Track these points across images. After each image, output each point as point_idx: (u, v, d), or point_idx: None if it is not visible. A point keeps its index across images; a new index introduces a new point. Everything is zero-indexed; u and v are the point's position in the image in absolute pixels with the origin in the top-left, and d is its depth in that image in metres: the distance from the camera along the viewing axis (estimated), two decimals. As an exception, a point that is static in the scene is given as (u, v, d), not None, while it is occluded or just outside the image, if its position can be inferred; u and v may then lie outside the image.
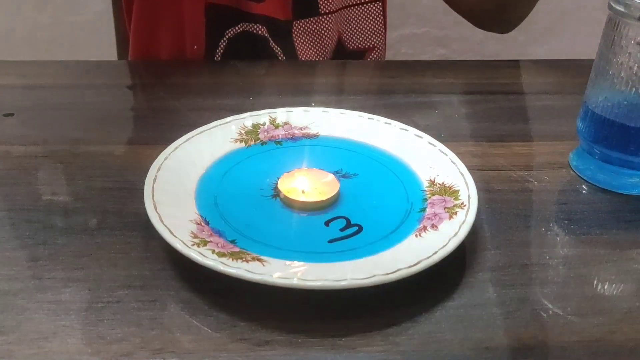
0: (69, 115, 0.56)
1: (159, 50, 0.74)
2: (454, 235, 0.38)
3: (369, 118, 0.51)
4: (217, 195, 0.43)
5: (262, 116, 0.51)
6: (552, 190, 0.48)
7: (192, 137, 0.47)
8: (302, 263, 0.37)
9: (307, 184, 0.44)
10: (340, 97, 0.60)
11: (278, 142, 0.49)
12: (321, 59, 0.75)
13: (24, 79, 0.62)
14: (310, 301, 0.36)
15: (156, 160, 0.44)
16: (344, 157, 0.48)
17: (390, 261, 0.37)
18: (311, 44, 0.75)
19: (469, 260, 0.40)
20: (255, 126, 0.50)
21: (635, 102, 0.45)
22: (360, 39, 0.78)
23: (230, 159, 0.47)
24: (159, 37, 0.75)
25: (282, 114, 0.51)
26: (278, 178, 0.44)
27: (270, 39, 0.73)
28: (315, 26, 0.74)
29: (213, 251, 0.37)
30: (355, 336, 0.35)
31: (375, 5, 0.77)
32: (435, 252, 0.37)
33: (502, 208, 0.45)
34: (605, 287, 0.39)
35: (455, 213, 0.41)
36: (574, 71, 0.67)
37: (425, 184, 0.45)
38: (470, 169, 0.45)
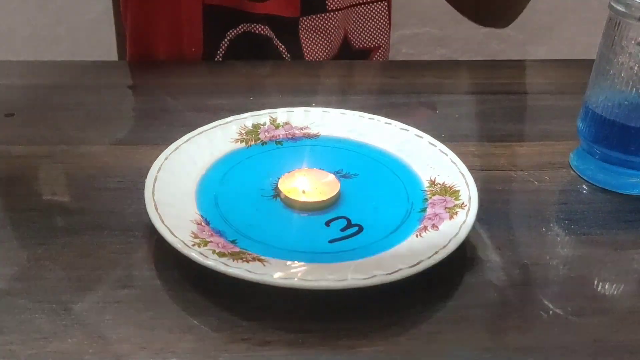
0: (70, 116, 0.56)
1: (156, 52, 0.74)
2: (455, 236, 0.38)
3: (369, 118, 0.51)
4: (217, 196, 0.43)
5: (262, 116, 0.51)
6: (552, 190, 0.48)
7: (193, 137, 0.47)
8: (302, 263, 0.37)
9: (307, 184, 0.44)
10: (340, 97, 0.60)
11: (278, 142, 0.49)
12: (327, 57, 0.75)
13: (24, 79, 0.62)
14: (311, 301, 0.36)
15: (157, 160, 0.44)
16: (345, 157, 0.48)
17: (391, 261, 0.37)
18: (318, 41, 0.75)
19: (470, 260, 0.40)
20: (256, 126, 0.50)
21: (636, 102, 0.45)
22: (366, 38, 0.78)
23: (230, 159, 0.47)
24: (156, 39, 0.75)
25: (282, 114, 0.51)
26: (278, 178, 0.44)
27: (274, 38, 0.73)
28: (322, 23, 0.74)
29: (214, 251, 0.37)
30: (356, 336, 0.35)
31: (381, 4, 0.77)
32: (436, 252, 0.37)
33: (503, 208, 0.45)
34: (606, 287, 0.39)
35: (456, 213, 0.41)
36: (574, 71, 0.67)
37: (426, 184, 0.45)
38: (471, 169, 0.45)
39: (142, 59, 0.75)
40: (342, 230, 0.41)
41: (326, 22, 0.74)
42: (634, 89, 0.45)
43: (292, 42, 0.74)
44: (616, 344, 0.35)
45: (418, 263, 0.36)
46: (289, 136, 0.50)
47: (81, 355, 0.33)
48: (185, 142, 0.47)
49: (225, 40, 0.73)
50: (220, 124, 0.49)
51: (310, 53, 0.74)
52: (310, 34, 0.74)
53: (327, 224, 0.41)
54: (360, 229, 0.41)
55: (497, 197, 0.46)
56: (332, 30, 0.75)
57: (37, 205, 0.44)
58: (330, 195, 0.43)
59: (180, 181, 0.43)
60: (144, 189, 0.41)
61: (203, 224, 0.40)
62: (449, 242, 0.38)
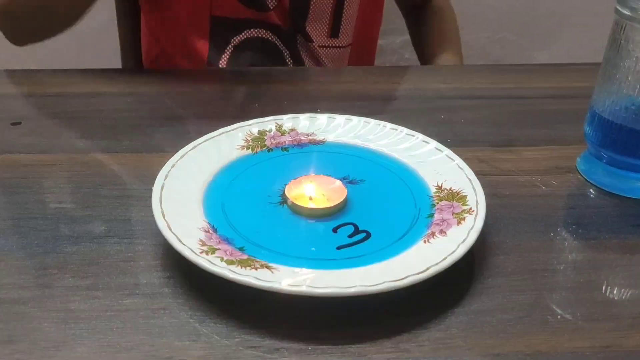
0: (76, 124, 0.56)
1: (166, 59, 0.75)
2: (463, 241, 0.38)
3: (375, 124, 0.51)
4: (224, 203, 0.43)
5: (268, 123, 0.51)
6: (560, 195, 0.48)
7: (199, 144, 0.47)
8: (310, 270, 0.37)
9: (314, 191, 0.44)
10: (345, 103, 0.60)
11: (285, 149, 0.49)
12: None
13: (30, 88, 0.62)
14: (320, 308, 0.36)
15: (163, 168, 0.44)
16: (351, 163, 0.48)
17: (399, 268, 0.36)
18: (312, 61, 0.77)
19: (478, 266, 0.40)
20: (262, 133, 0.50)
21: (643, 106, 0.45)
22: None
23: (237, 166, 0.47)
24: (165, 47, 0.76)
25: (288, 121, 0.51)
26: (285, 185, 0.44)
27: (277, 42, 0.74)
28: (312, 52, 0.76)
29: (222, 259, 0.37)
30: (365, 343, 0.35)
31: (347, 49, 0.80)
32: (444, 258, 0.37)
33: (510, 213, 0.45)
34: (615, 292, 0.39)
35: (464, 219, 0.41)
36: (580, 75, 0.67)
37: (433, 190, 0.45)
38: (478, 174, 0.45)
39: (152, 65, 0.76)
40: (350, 236, 0.40)
41: (316, 53, 0.76)
42: (641, 93, 0.45)
43: (293, 50, 0.75)
44: (627, 350, 0.35)
45: (427, 269, 0.36)
46: (295, 142, 0.50)
47: (90, 363, 0.33)
48: (191, 149, 0.47)
49: (230, 46, 0.74)
50: (226, 131, 0.49)
51: (308, 64, 0.76)
52: (305, 53, 0.75)
53: (335, 230, 0.41)
54: (368, 235, 0.41)
55: (505, 202, 0.46)
56: (322, 60, 0.77)
57: (44, 214, 0.44)
58: (338, 201, 0.43)
59: (187, 189, 0.43)
60: (151, 197, 0.41)
61: (211, 231, 0.40)
62: (457, 247, 0.38)
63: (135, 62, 0.88)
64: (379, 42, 0.87)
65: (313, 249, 0.39)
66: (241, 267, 0.36)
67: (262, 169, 0.47)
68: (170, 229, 0.38)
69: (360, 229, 0.41)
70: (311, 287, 0.35)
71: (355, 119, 0.52)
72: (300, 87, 0.64)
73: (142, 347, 0.34)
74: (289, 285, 0.35)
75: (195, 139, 0.48)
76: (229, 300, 0.37)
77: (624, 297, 0.39)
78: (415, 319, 0.36)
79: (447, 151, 0.47)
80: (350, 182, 0.46)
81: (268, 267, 0.37)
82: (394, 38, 1.39)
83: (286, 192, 0.43)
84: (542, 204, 0.46)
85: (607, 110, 0.46)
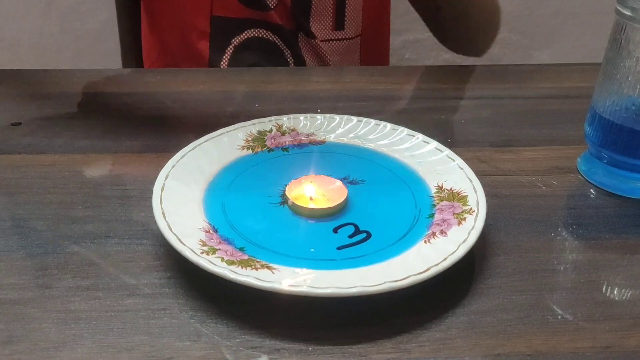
0: (76, 124, 0.56)
1: (167, 59, 0.75)
2: (463, 242, 0.38)
3: (375, 124, 0.51)
4: (225, 203, 0.43)
5: (268, 123, 0.51)
6: (560, 195, 0.48)
7: (199, 144, 0.47)
8: (311, 270, 0.37)
9: (314, 191, 0.44)
10: (346, 104, 0.60)
11: (285, 149, 0.49)
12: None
13: (30, 88, 0.62)
14: (320, 309, 0.36)
15: (164, 168, 0.44)
16: (351, 164, 0.48)
17: (400, 268, 0.36)
18: (315, 59, 0.76)
19: (479, 266, 0.40)
20: (262, 133, 0.50)
21: (643, 106, 0.45)
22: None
23: (237, 166, 0.47)
24: (166, 47, 0.76)
25: (288, 121, 0.51)
26: (286, 185, 0.44)
27: (278, 42, 0.74)
28: (315, 48, 0.76)
29: (222, 259, 0.37)
30: (366, 343, 0.35)
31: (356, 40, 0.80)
32: (445, 259, 0.37)
33: (511, 213, 0.45)
34: (616, 292, 0.39)
35: (464, 219, 0.41)
36: (580, 75, 0.67)
37: (433, 190, 0.45)
38: (478, 174, 0.45)
39: (153, 65, 0.76)
40: (350, 236, 0.40)
41: (318, 49, 0.75)
42: (642, 93, 0.44)
43: (295, 50, 0.75)
44: (628, 350, 0.35)
45: (427, 269, 0.36)
46: (296, 143, 0.50)
47: (91, 364, 0.33)
48: (192, 149, 0.47)
49: (231, 46, 0.74)
50: (227, 131, 0.49)
51: (310, 63, 0.76)
52: (307, 50, 0.76)
53: (335, 230, 0.41)
54: (369, 235, 0.41)
55: (505, 203, 0.46)
56: (327, 57, 0.77)
57: (44, 214, 0.44)
58: (338, 201, 0.43)
59: (187, 189, 0.43)
60: (151, 197, 0.41)
61: (211, 231, 0.40)
62: (458, 248, 0.38)
63: (135, 62, 0.88)
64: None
65: (312, 250, 0.39)
66: (242, 268, 0.36)
67: (262, 169, 0.47)
68: (170, 230, 0.38)
69: (360, 229, 0.41)
70: (312, 287, 0.35)
71: (355, 119, 0.52)
72: (301, 87, 0.64)
73: (142, 348, 0.34)
74: (289, 285, 0.35)
75: (195, 139, 0.48)
76: (230, 301, 0.37)
77: (624, 298, 0.39)
78: (415, 319, 0.36)
79: (448, 151, 0.47)
80: (351, 183, 0.46)
81: (268, 268, 0.37)
82: (394, 38, 1.39)
83: (286, 193, 0.43)
84: (542, 204, 0.46)
85: (608, 110, 0.46)
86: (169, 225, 0.38)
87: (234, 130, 0.50)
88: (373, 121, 0.51)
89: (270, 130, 0.50)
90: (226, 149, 0.48)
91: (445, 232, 0.40)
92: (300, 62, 0.76)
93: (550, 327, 0.36)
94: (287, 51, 0.75)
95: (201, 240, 0.38)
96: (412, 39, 1.40)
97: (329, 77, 0.68)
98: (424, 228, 0.41)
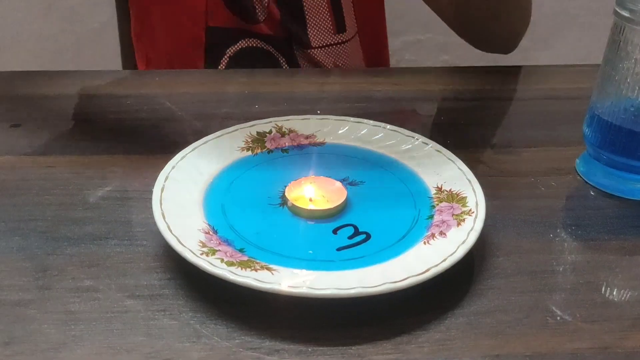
0: (76, 125, 0.56)
1: (159, 65, 0.75)
2: (463, 243, 0.38)
3: (374, 125, 0.51)
4: (224, 204, 0.43)
5: (268, 124, 0.51)
6: (559, 196, 0.48)
7: (199, 146, 0.47)
8: (310, 271, 0.37)
9: (314, 192, 0.44)
10: (345, 105, 0.60)
11: (284, 150, 0.49)
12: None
13: (30, 89, 0.62)
14: (320, 310, 0.36)
15: (163, 169, 0.44)
16: (351, 165, 0.48)
17: (399, 269, 0.37)
18: (312, 67, 0.77)
19: (478, 267, 0.40)
20: (262, 134, 0.50)
21: (642, 107, 0.45)
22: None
23: (237, 168, 0.47)
24: (159, 56, 0.76)
25: (288, 122, 0.52)
26: (285, 186, 0.44)
27: (273, 51, 0.74)
28: (310, 57, 0.76)
29: (222, 260, 0.37)
30: (365, 344, 0.35)
31: (355, 40, 0.79)
32: (444, 260, 0.37)
33: (510, 214, 0.45)
34: (615, 293, 0.39)
35: (463, 220, 0.41)
36: (579, 77, 0.67)
37: (433, 191, 0.45)
38: (477, 175, 0.45)
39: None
40: (350, 238, 0.41)
41: (314, 56, 0.76)
42: (640, 94, 0.45)
43: (290, 57, 0.75)
44: (627, 351, 0.35)
45: (426, 270, 0.36)
46: (295, 144, 0.50)
47: (91, 365, 0.33)
48: (191, 151, 0.47)
49: (225, 57, 0.74)
50: (226, 133, 0.49)
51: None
52: (303, 59, 0.76)
53: (335, 231, 0.41)
54: (368, 236, 0.41)
55: (504, 204, 0.46)
56: (323, 63, 0.77)
57: (44, 216, 0.44)
58: (338, 203, 0.43)
59: (187, 190, 0.43)
60: (151, 198, 0.41)
61: (211, 232, 0.40)
62: (457, 249, 0.38)
63: (135, 64, 0.88)
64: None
65: (310, 251, 0.39)
66: (241, 269, 0.36)
67: (262, 171, 0.47)
68: (170, 231, 0.38)
69: (360, 230, 0.41)
70: (311, 288, 0.35)
71: (355, 121, 0.52)
72: (300, 88, 0.64)
73: (142, 349, 0.34)
74: (289, 286, 0.35)
75: (195, 141, 0.48)
76: (229, 302, 0.37)
77: (623, 298, 0.39)
78: (415, 320, 0.36)
79: (447, 152, 0.47)
80: (350, 184, 0.46)
81: (268, 269, 0.37)
82: (394, 39, 1.39)
83: (286, 194, 0.43)
84: (541, 205, 0.46)
85: (607, 111, 0.47)
86: (168, 227, 0.38)
87: (233, 131, 0.50)
88: (372, 122, 0.51)
89: (270, 132, 0.51)
90: (226, 150, 0.48)
91: (444, 233, 0.40)
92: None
93: (549, 328, 0.36)
94: (282, 59, 0.75)
95: (201, 242, 0.38)
96: (411, 40, 1.40)
97: (328, 79, 0.68)
98: (423, 229, 0.41)
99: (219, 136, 0.49)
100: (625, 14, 0.44)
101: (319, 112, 0.55)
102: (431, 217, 0.42)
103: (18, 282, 0.38)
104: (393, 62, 1.39)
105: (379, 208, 0.44)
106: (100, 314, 0.36)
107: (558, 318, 0.37)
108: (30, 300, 0.37)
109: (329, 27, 0.75)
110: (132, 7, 0.79)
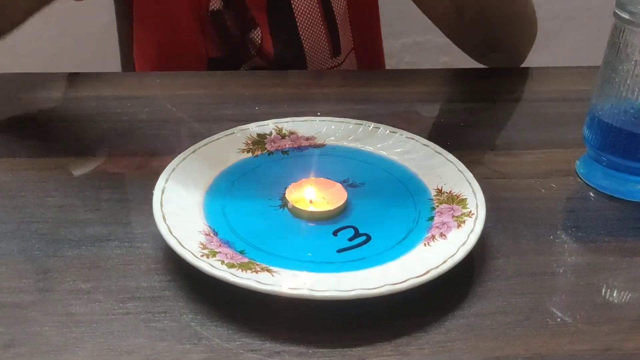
0: (76, 127, 0.56)
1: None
2: (463, 244, 0.38)
3: (374, 127, 0.51)
4: (225, 206, 0.43)
5: (268, 126, 0.51)
6: (559, 198, 0.48)
7: (199, 147, 0.47)
8: (311, 273, 0.37)
9: (314, 194, 0.44)
10: (345, 107, 0.60)
11: (285, 152, 0.50)
12: None
13: (30, 91, 0.62)
14: (320, 311, 0.36)
15: (164, 171, 0.44)
16: (351, 167, 0.48)
17: (400, 271, 0.37)
18: None
19: (478, 269, 0.40)
20: (262, 136, 0.50)
21: (642, 109, 0.45)
22: None
23: (237, 169, 0.47)
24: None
25: (288, 124, 0.52)
26: (286, 188, 0.44)
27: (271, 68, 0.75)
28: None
29: (222, 262, 0.37)
30: (366, 346, 0.35)
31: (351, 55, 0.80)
32: (445, 261, 0.37)
33: (510, 216, 0.45)
34: (615, 294, 0.39)
35: (464, 222, 0.41)
36: (579, 78, 0.67)
37: (433, 193, 0.45)
38: (477, 177, 0.45)
39: None
40: (350, 239, 0.41)
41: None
42: (640, 96, 0.45)
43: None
44: (627, 353, 0.35)
45: (427, 272, 0.36)
46: (295, 146, 0.50)
47: (91, 367, 0.33)
48: (192, 152, 0.47)
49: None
50: (227, 134, 0.50)
51: None
52: None
53: (335, 233, 0.41)
54: (368, 238, 0.41)
55: (504, 205, 0.46)
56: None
57: (45, 217, 0.44)
58: (338, 204, 0.43)
59: (187, 192, 0.43)
60: (151, 200, 0.41)
61: (211, 234, 0.40)
62: (457, 250, 0.38)
63: (134, 66, 0.88)
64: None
65: (309, 254, 0.39)
66: (242, 271, 0.36)
67: (262, 172, 0.47)
68: (171, 233, 0.38)
69: (360, 232, 0.41)
70: (312, 290, 0.35)
71: (355, 122, 0.52)
72: (300, 90, 0.64)
73: (143, 351, 0.34)
74: (289, 288, 0.35)
75: (195, 142, 0.48)
76: (230, 304, 0.37)
77: (623, 300, 0.39)
78: (415, 322, 0.36)
79: (447, 154, 0.47)
80: (351, 185, 0.46)
81: (268, 271, 0.37)
82: (394, 41, 1.39)
83: (286, 196, 0.43)
84: (541, 207, 0.46)
85: (607, 113, 0.47)
86: (169, 229, 0.39)
87: (233, 133, 0.50)
88: (373, 124, 0.52)
89: (270, 134, 0.51)
90: (226, 152, 0.48)
91: (444, 235, 0.40)
92: None
93: (549, 330, 0.36)
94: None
95: (201, 243, 0.38)
96: (411, 42, 1.40)
97: (328, 80, 0.68)
98: (423, 231, 0.41)
99: (219, 138, 0.49)
100: (625, 16, 0.44)
101: (319, 113, 0.55)
102: (431, 218, 0.42)
103: (19, 284, 0.38)
104: (392, 64, 1.39)
105: (379, 210, 0.44)
106: (101, 316, 0.36)
107: (558, 320, 0.37)
108: (31, 302, 0.37)
109: (326, 53, 0.76)
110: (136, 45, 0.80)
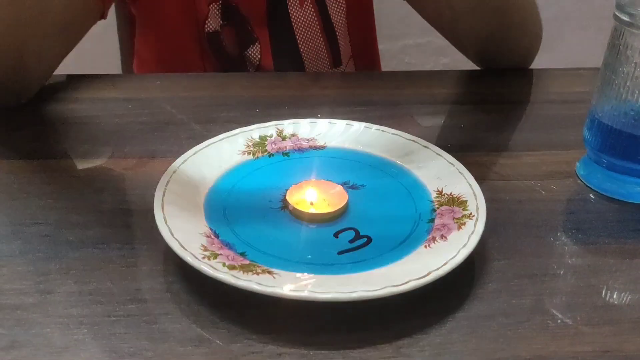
0: (77, 129, 0.56)
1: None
2: (464, 246, 0.38)
3: (375, 129, 0.51)
4: (226, 208, 0.43)
5: (269, 128, 0.51)
6: (559, 200, 0.48)
7: (200, 150, 0.48)
8: (312, 275, 0.37)
9: (315, 196, 0.44)
10: (346, 108, 0.60)
11: (285, 154, 0.50)
12: None
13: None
14: (321, 313, 0.36)
15: (165, 173, 0.44)
16: (352, 168, 0.48)
17: (400, 272, 0.37)
18: None
19: (479, 270, 0.40)
20: (263, 138, 0.50)
21: (642, 111, 0.45)
22: None
23: (238, 171, 0.47)
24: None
25: (289, 126, 0.52)
26: (286, 190, 0.44)
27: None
28: None
29: (223, 264, 0.37)
30: (366, 348, 0.35)
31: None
32: (445, 263, 0.37)
33: (510, 218, 0.45)
34: (615, 296, 0.39)
35: (464, 223, 0.41)
36: (579, 80, 0.67)
37: (433, 195, 0.45)
38: (478, 179, 0.45)
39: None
40: (351, 241, 0.41)
41: None
42: (640, 98, 0.45)
43: None
44: (627, 354, 0.35)
45: (427, 274, 0.36)
46: (296, 148, 0.50)
47: (93, 369, 0.33)
48: (193, 154, 0.47)
49: None
50: (227, 136, 0.50)
51: None
52: None
53: (336, 235, 0.41)
54: (369, 240, 0.41)
55: (505, 207, 0.46)
56: None
57: (46, 219, 0.44)
58: (339, 206, 0.43)
59: (188, 194, 0.43)
60: (152, 202, 0.41)
61: (212, 236, 0.40)
62: (458, 252, 0.38)
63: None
64: (379, 47, 0.87)
65: (309, 256, 0.39)
66: (243, 273, 0.36)
67: (263, 174, 0.47)
68: (172, 235, 0.38)
69: (361, 234, 0.41)
70: (312, 292, 0.35)
71: (355, 124, 0.52)
72: (301, 92, 0.64)
73: (144, 353, 0.34)
74: (290, 290, 0.35)
75: (196, 144, 0.48)
76: (231, 306, 0.37)
77: (624, 302, 0.39)
78: (416, 324, 0.36)
79: (448, 156, 0.48)
80: (351, 187, 0.46)
81: (270, 272, 0.37)
82: (393, 43, 1.39)
83: (287, 198, 0.44)
84: (541, 208, 0.46)
85: (606, 115, 0.47)
86: (170, 231, 0.39)
87: (234, 135, 0.50)
88: (373, 126, 0.52)
89: (271, 135, 0.51)
90: (227, 154, 0.48)
91: (445, 237, 0.40)
92: None
93: (550, 332, 0.36)
94: None
95: (202, 245, 0.38)
96: (411, 44, 1.40)
97: (329, 82, 0.68)
98: (424, 233, 0.41)
99: (220, 140, 0.49)
100: (625, 18, 0.44)
101: (319, 115, 0.55)
102: (432, 220, 0.42)
103: (20, 285, 0.38)
104: (393, 65, 1.40)
105: (380, 212, 0.44)
106: (103, 317, 0.36)
107: (559, 321, 0.37)
108: (33, 304, 0.37)
109: (326, 65, 0.76)
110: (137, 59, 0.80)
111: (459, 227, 0.41)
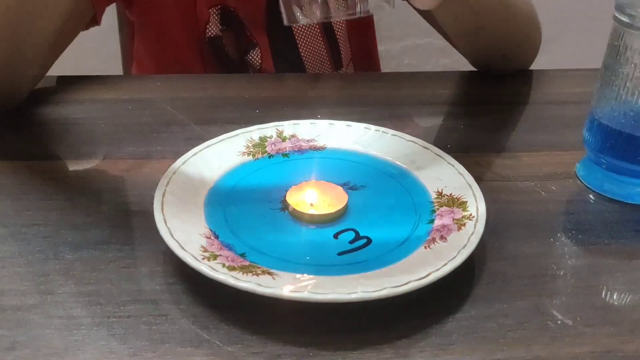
0: (77, 130, 0.56)
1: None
2: (463, 247, 0.38)
3: (375, 130, 0.51)
4: (226, 209, 0.43)
5: (269, 129, 0.51)
6: (559, 201, 0.48)
7: (200, 150, 0.48)
8: (312, 276, 0.37)
9: (315, 197, 0.44)
10: (346, 109, 0.60)
11: (285, 155, 0.50)
12: None
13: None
14: (321, 314, 0.36)
15: (165, 174, 0.44)
16: (352, 169, 0.48)
17: (400, 273, 0.37)
18: None
19: (478, 271, 0.40)
20: (263, 139, 0.50)
21: (642, 111, 0.45)
22: None
23: (238, 172, 0.47)
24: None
25: (289, 127, 0.52)
26: (286, 191, 0.44)
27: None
28: None
29: (223, 265, 0.37)
30: (366, 349, 0.35)
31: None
32: (445, 264, 0.37)
33: (510, 219, 0.45)
34: (615, 297, 0.39)
35: (464, 224, 0.41)
36: (579, 81, 0.67)
37: (433, 196, 0.45)
38: (478, 180, 0.45)
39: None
40: (351, 242, 0.41)
41: None
42: (640, 99, 0.45)
43: None
44: (628, 355, 0.35)
45: (427, 275, 0.36)
46: (296, 149, 0.50)
47: (93, 370, 0.33)
48: (192, 155, 0.47)
49: None
50: (228, 137, 0.50)
51: None
52: None
53: (336, 236, 0.41)
54: (369, 241, 0.41)
55: (504, 208, 0.46)
56: None
57: (46, 220, 0.44)
58: (338, 207, 0.43)
59: (188, 195, 0.43)
60: (152, 203, 0.41)
61: (212, 237, 0.40)
62: (458, 253, 0.38)
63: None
64: (379, 48, 0.87)
65: (309, 257, 0.39)
66: (243, 273, 0.36)
67: (263, 175, 0.47)
68: (172, 236, 0.38)
69: (361, 234, 0.41)
70: (312, 293, 0.35)
71: (355, 125, 0.52)
72: (301, 93, 0.64)
73: (144, 354, 0.34)
74: (290, 291, 0.35)
75: (196, 145, 0.48)
76: (231, 306, 0.37)
77: (624, 303, 0.39)
78: (416, 325, 0.36)
79: (448, 157, 0.48)
80: (351, 188, 0.46)
81: (269, 273, 0.37)
82: (393, 44, 1.39)
83: (287, 198, 0.44)
84: (541, 209, 0.47)
85: (607, 116, 0.47)
86: (170, 232, 0.39)
87: (234, 136, 0.50)
88: (373, 127, 0.52)
89: (271, 136, 0.51)
90: (227, 155, 0.48)
91: (445, 238, 0.40)
92: None
93: (550, 332, 0.36)
94: None
95: (202, 247, 0.38)
96: (411, 45, 1.40)
97: (329, 83, 0.68)
98: (424, 233, 0.41)
99: (220, 141, 0.49)
100: (625, 19, 0.44)
101: (319, 116, 0.55)
102: (432, 221, 0.42)
103: (20, 286, 0.38)
104: (393, 66, 1.40)
105: (379, 212, 0.44)
106: (102, 318, 0.36)
107: (559, 322, 0.37)
108: (33, 305, 0.37)
109: (327, 68, 0.76)
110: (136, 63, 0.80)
111: (459, 228, 0.41)
